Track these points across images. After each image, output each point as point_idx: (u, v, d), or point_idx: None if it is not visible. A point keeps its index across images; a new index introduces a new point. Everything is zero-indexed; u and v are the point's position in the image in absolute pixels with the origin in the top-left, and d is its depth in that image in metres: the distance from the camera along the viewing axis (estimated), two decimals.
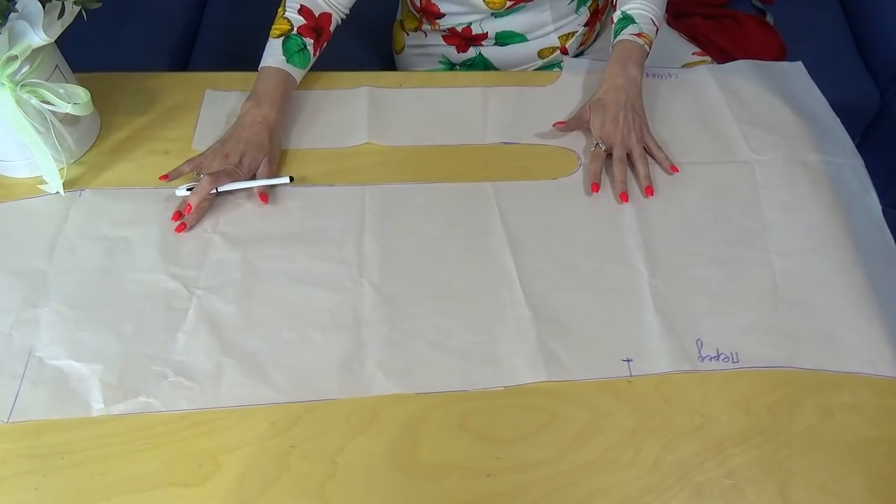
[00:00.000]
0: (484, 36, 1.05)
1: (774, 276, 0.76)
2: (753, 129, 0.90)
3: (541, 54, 1.08)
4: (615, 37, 0.93)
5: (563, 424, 0.66)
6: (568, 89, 0.95)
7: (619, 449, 0.64)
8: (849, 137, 0.90)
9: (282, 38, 0.89)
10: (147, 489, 0.61)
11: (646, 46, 0.92)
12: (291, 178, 0.82)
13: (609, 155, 0.86)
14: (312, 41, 0.91)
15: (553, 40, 1.06)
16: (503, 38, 1.05)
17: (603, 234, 0.79)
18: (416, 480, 0.62)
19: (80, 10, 0.76)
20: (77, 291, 0.73)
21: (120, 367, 0.68)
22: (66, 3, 0.74)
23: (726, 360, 0.70)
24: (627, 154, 0.85)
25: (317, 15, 0.91)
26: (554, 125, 0.89)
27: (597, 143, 0.86)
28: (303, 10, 0.91)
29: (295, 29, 0.89)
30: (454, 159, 0.87)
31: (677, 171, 0.85)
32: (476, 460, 0.63)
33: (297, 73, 0.90)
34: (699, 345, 0.70)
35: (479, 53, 1.08)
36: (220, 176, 0.80)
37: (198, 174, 0.81)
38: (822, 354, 0.70)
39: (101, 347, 0.69)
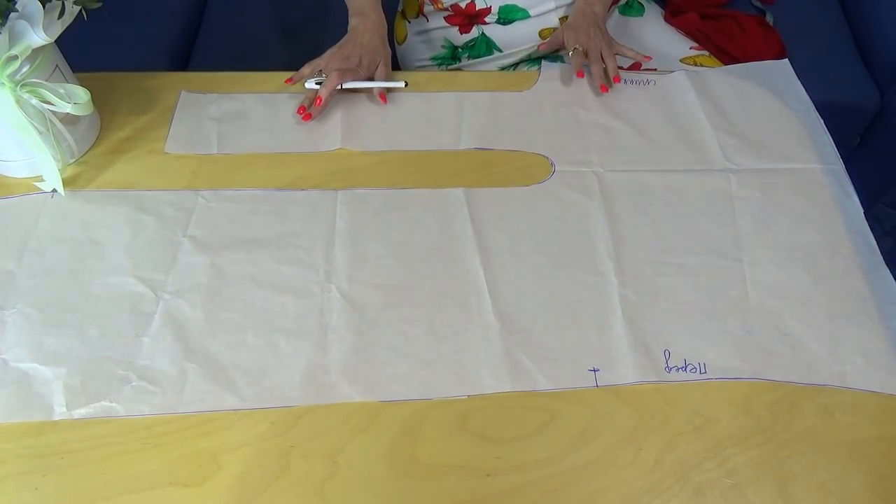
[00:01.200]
0: (487, 11, 1.05)
1: (746, 287, 0.75)
2: (730, 138, 0.89)
3: (542, 34, 1.08)
4: None
5: (563, 424, 0.66)
6: (544, 95, 0.94)
7: (619, 449, 0.64)
8: (831, 139, 0.89)
9: None
10: (147, 489, 0.61)
11: None
12: (406, 83, 0.91)
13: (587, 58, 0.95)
14: None
15: (553, 20, 1.07)
16: (506, 14, 1.06)
17: (574, 242, 0.79)
18: (415, 480, 0.62)
19: (80, 10, 0.76)
20: (44, 294, 0.73)
21: (83, 370, 0.67)
22: (66, 3, 0.74)
23: (693, 370, 0.69)
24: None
25: None
26: (539, 47, 1.04)
27: (575, 48, 0.96)
28: None
29: None
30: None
31: (650, 58, 0.98)
32: (476, 460, 0.63)
33: None
34: (667, 355, 0.70)
35: (482, 33, 1.08)
36: (346, 73, 0.88)
37: (319, 73, 0.90)
38: (791, 366, 0.69)
39: (66, 350, 0.68)
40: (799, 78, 0.98)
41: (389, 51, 0.95)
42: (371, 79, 0.92)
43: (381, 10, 0.96)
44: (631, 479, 0.62)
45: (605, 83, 0.92)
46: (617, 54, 0.97)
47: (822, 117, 0.92)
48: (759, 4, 1.41)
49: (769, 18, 1.36)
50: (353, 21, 0.95)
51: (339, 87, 0.88)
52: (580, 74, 0.94)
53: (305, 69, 0.91)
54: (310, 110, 0.87)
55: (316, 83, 0.88)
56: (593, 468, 0.63)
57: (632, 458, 0.63)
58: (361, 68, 0.90)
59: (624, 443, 0.64)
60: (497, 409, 0.66)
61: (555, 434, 0.65)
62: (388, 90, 0.92)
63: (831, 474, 0.63)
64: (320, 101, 0.86)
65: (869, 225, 0.81)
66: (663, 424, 0.66)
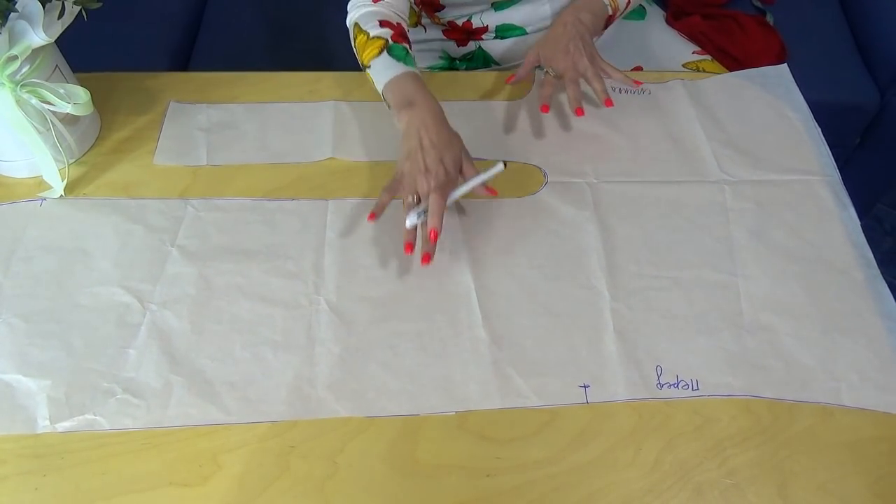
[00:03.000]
0: (484, 29, 1.05)
1: (740, 301, 0.74)
2: (725, 149, 0.88)
3: None
4: None
5: (563, 424, 0.66)
6: (537, 104, 0.91)
7: (619, 449, 0.64)
8: (828, 149, 0.88)
9: (384, 51, 0.84)
10: (147, 489, 0.61)
11: (608, 6, 0.93)
12: (505, 164, 0.77)
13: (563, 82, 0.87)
14: (407, 46, 0.87)
15: None
16: (503, 32, 1.05)
17: (566, 254, 0.77)
18: (416, 480, 0.62)
19: (80, 10, 0.76)
20: (30, 303, 0.72)
21: (68, 382, 0.67)
22: (66, 3, 0.74)
23: (686, 387, 0.68)
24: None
25: (395, 24, 0.88)
26: (507, 81, 0.91)
27: (546, 71, 0.87)
28: (384, 24, 0.86)
29: (390, 40, 0.85)
30: None
31: (640, 84, 0.91)
32: (476, 460, 0.63)
33: (418, 72, 0.85)
34: (658, 371, 0.69)
35: (479, 47, 1.08)
36: (445, 189, 0.74)
37: (411, 198, 0.75)
38: (784, 383, 0.68)
39: (51, 362, 0.68)
40: (799, 78, 0.97)
41: (459, 135, 0.80)
42: (462, 177, 0.79)
43: (431, 94, 0.81)
44: (631, 479, 0.62)
45: (579, 106, 0.85)
46: (602, 73, 0.88)
47: (822, 117, 0.92)
48: (759, 4, 1.41)
49: (769, 18, 1.36)
50: (402, 119, 0.79)
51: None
52: (545, 109, 0.86)
53: (385, 197, 0.76)
54: (427, 249, 0.73)
55: (417, 216, 0.74)
56: (593, 468, 0.63)
57: (632, 458, 0.63)
58: (450, 173, 0.76)
59: (624, 443, 0.64)
60: (497, 409, 0.66)
61: (555, 434, 0.65)
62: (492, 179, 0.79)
63: (831, 474, 0.63)
64: (434, 234, 0.72)
65: (869, 225, 0.80)
66: (663, 424, 0.66)
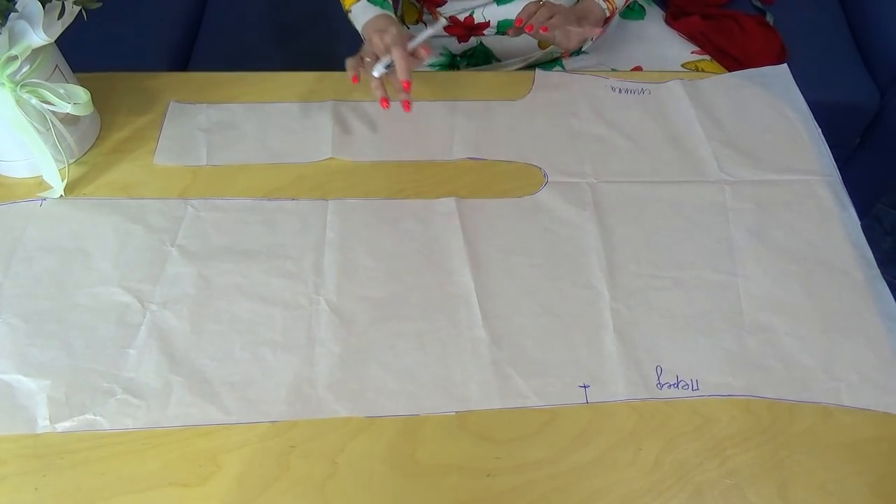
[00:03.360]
0: (486, 25, 1.05)
1: (740, 301, 0.74)
2: (725, 149, 0.88)
3: (541, 45, 1.08)
4: None
5: (563, 424, 0.66)
6: (537, 104, 0.93)
7: (619, 449, 0.64)
8: (828, 149, 0.88)
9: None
10: (147, 489, 0.61)
11: (606, 11, 0.98)
12: (448, 20, 0.88)
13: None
14: None
15: None
16: (504, 27, 1.05)
17: (566, 254, 0.77)
18: (415, 480, 0.62)
19: (80, 10, 0.76)
20: (31, 304, 0.72)
21: (68, 382, 0.66)
22: (66, 3, 0.74)
23: (686, 387, 0.68)
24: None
25: None
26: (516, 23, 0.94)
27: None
28: None
29: None
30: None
31: (600, 30, 0.94)
32: (476, 460, 0.63)
33: (393, 15, 0.93)
34: (658, 371, 0.69)
35: (480, 43, 1.08)
36: (402, 42, 0.82)
37: (371, 59, 0.84)
38: (784, 383, 0.68)
39: (51, 362, 0.68)
40: (799, 78, 0.97)
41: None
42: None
43: (403, 27, 0.90)
44: (631, 479, 0.62)
45: (531, 24, 0.91)
46: (574, 27, 0.94)
47: (822, 118, 0.92)
48: (759, 4, 1.41)
49: (769, 18, 1.36)
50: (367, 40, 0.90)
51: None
52: (519, 22, 0.92)
53: (353, 64, 0.87)
54: (403, 97, 0.82)
55: (385, 67, 0.83)
56: (593, 468, 0.63)
57: (632, 458, 0.63)
58: (401, 31, 0.86)
59: (624, 443, 0.64)
60: (497, 409, 0.66)
61: (555, 434, 0.65)
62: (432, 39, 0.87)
63: (831, 474, 0.63)
64: (407, 84, 0.81)
65: (869, 225, 0.80)
66: (663, 424, 0.66)
